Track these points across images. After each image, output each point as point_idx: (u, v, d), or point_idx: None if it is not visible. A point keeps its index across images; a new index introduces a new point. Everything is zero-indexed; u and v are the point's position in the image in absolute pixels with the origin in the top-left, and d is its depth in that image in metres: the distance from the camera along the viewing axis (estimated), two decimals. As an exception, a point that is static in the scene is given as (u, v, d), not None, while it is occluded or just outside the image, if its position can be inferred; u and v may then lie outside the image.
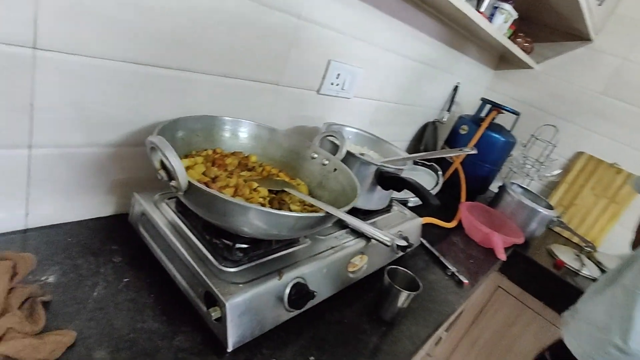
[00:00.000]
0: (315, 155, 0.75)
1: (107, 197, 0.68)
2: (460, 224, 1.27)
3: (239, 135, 0.73)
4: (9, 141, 0.53)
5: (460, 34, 1.35)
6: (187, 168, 0.59)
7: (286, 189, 0.61)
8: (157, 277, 0.60)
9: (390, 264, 0.86)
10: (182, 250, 0.55)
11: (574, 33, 1.62)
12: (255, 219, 0.47)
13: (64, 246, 0.60)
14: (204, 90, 0.71)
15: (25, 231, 0.60)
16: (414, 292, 0.67)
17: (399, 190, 0.79)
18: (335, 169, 0.72)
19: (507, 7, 1.24)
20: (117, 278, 0.58)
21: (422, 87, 1.38)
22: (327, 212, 0.50)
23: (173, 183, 0.46)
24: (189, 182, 0.46)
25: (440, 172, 1.24)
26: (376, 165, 0.78)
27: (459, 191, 1.40)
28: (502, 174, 1.70)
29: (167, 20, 0.60)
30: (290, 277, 0.58)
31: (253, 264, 0.57)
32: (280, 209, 0.60)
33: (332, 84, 0.97)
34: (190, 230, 0.59)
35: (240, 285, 0.52)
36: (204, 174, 0.60)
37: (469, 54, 1.53)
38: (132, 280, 0.58)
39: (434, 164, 1.31)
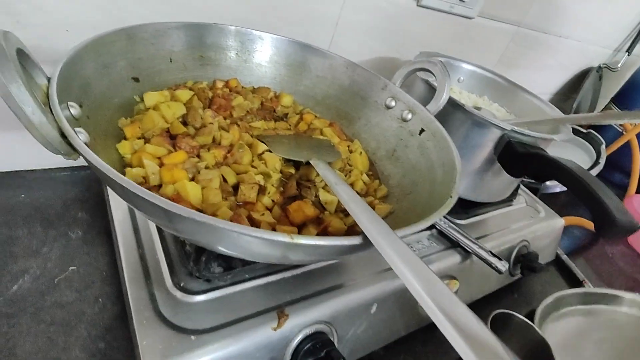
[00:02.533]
0: (393, 103, 0.44)
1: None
2: (621, 227, 0.83)
3: (263, 59, 0.45)
4: None
5: None
6: (151, 108, 0.34)
7: (312, 162, 0.32)
8: (116, 271, 0.40)
9: (499, 291, 0.54)
10: (121, 247, 0.32)
11: None
12: (174, 222, 0.21)
13: (11, 205, 0.43)
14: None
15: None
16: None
17: (541, 180, 0.45)
18: (422, 130, 0.40)
19: None
20: (61, 265, 0.39)
21: (583, 9, 0.88)
22: (364, 239, 0.21)
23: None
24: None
25: (603, 146, 0.80)
26: (502, 129, 0.43)
27: (626, 178, 0.93)
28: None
29: None
30: (300, 324, 0.31)
31: (238, 288, 0.32)
32: (299, 197, 0.32)
33: (443, -10, 0.60)
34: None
35: (194, 337, 0.28)
36: (183, 119, 0.35)
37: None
38: (81, 270, 0.39)
39: (592, 131, 0.86)
